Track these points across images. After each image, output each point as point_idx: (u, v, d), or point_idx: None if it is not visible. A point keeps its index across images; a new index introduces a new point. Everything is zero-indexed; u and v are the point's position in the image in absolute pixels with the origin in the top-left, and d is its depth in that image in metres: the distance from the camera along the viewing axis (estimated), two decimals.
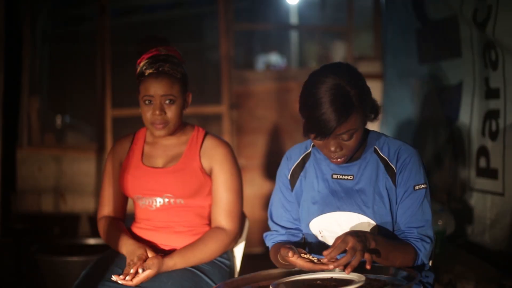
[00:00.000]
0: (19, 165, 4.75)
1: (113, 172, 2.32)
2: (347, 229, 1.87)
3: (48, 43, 5.41)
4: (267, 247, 2.05)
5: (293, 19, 6.61)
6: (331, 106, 1.71)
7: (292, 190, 1.99)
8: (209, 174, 2.25)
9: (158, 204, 2.23)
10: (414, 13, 3.98)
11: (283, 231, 2.01)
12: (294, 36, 7.04)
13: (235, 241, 2.28)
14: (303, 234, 2.00)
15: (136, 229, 2.30)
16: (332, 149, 1.79)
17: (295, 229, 2.01)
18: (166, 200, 2.22)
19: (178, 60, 2.23)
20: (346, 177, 1.90)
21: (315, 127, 1.74)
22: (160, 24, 6.33)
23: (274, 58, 6.53)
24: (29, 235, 3.99)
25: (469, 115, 3.35)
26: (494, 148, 3.09)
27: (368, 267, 1.61)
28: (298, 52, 7.11)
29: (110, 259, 2.22)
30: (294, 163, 2.00)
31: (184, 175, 2.21)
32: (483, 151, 3.20)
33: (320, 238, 1.94)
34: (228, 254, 2.33)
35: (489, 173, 3.14)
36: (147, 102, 2.17)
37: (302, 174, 1.98)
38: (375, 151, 1.90)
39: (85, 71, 5.21)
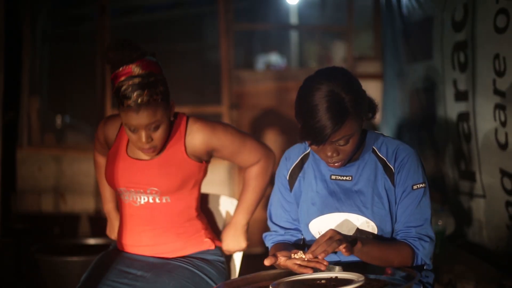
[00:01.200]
0: (19, 165, 4.75)
1: (102, 141, 2.34)
2: (346, 230, 1.88)
3: (48, 43, 5.41)
4: (267, 247, 2.05)
5: (293, 19, 6.61)
6: (326, 113, 1.71)
7: (291, 190, 1.99)
8: (197, 160, 2.21)
9: (142, 201, 2.19)
10: (398, 14, 4.00)
11: (282, 231, 2.01)
12: (294, 36, 7.04)
13: (272, 160, 2.34)
14: (302, 234, 2.00)
15: (122, 231, 2.27)
16: (329, 154, 1.79)
17: (295, 229, 2.01)
18: (151, 197, 2.18)
19: (155, 76, 2.07)
20: (344, 178, 1.90)
21: (311, 134, 1.74)
22: (160, 24, 6.33)
23: (274, 58, 6.53)
24: (29, 235, 3.99)
25: (444, 118, 3.35)
26: (470, 150, 3.09)
27: (345, 254, 1.63)
28: (298, 52, 7.11)
29: (110, 259, 2.21)
30: (293, 164, 2.00)
31: (169, 167, 2.16)
32: (461, 154, 3.20)
33: None
34: (221, 251, 2.33)
35: (469, 175, 3.15)
36: (129, 129, 2.09)
37: (300, 174, 1.98)
38: (373, 151, 1.90)
39: (85, 71, 5.21)
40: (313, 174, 1.95)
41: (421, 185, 1.85)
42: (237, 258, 2.42)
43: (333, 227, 1.89)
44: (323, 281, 1.62)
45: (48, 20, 5.46)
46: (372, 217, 1.85)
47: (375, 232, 1.86)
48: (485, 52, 2.85)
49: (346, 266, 1.80)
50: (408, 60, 3.95)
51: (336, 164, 1.83)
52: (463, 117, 3.11)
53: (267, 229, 2.07)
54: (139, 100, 2.02)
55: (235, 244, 2.33)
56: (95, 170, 2.50)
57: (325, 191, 1.91)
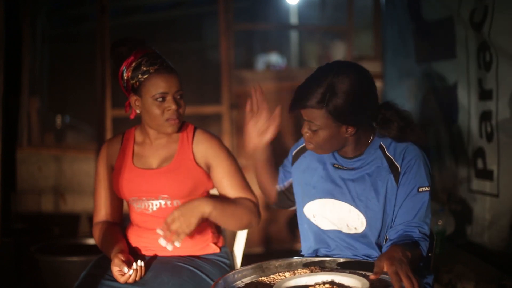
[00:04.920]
0: (19, 165, 4.75)
1: (105, 175, 2.29)
2: (337, 218, 1.93)
3: (48, 43, 5.41)
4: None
5: (293, 19, 6.61)
6: (313, 91, 1.81)
7: (292, 164, 2.08)
8: (204, 169, 2.24)
9: (154, 208, 2.21)
10: (409, 13, 3.99)
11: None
12: (294, 36, 7.04)
13: (259, 214, 2.23)
14: None
15: (132, 233, 2.27)
16: (304, 129, 1.87)
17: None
18: (163, 202, 2.20)
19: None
20: (346, 168, 1.94)
21: (295, 95, 1.86)
22: (160, 24, 6.33)
23: (274, 58, 6.53)
24: (29, 235, 3.99)
25: (467, 116, 3.35)
26: (490, 149, 3.09)
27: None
28: (298, 52, 7.12)
29: (109, 260, 2.21)
30: (301, 145, 2.08)
31: (179, 174, 2.19)
32: (480, 153, 3.21)
33: (313, 222, 2.00)
34: (227, 253, 2.33)
35: (485, 174, 3.15)
36: (160, 99, 2.13)
37: (305, 153, 2.05)
38: (381, 148, 1.92)
39: (85, 71, 5.21)
40: (318, 160, 2.01)
41: (426, 188, 1.86)
42: (238, 258, 2.42)
43: (326, 212, 1.94)
44: (326, 285, 1.61)
45: (48, 20, 5.46)
46: (364, 211, 1.88)
47: (364, 226, 1.88)
48: (506, 51, 2.88)
49: (348, 265, 1.81)
50: (421, 59, 3.93)
51: (309, 145, 1.90)
52: (487, 115, 3.12)
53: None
54: (165, 64, 2.14)
55: (182, 224, 2.04)
56: (97, 241, 2.26)
57: (325, 177, 1.96)
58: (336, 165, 1.95)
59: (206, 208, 2.07)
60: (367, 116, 1.88)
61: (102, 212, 2.29)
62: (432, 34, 3.72)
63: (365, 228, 1.88)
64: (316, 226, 1.99)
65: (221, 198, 2.19)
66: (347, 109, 1.79)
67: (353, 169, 1.92)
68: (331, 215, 1.93)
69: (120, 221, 2.35)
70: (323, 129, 1.83)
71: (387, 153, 1.90)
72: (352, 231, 1.92)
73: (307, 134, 1.86)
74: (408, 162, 1.87)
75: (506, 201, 2.98)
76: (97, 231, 2.27)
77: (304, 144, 2.03)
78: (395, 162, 1.88)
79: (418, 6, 3.85)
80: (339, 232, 1.95)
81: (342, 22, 5.55)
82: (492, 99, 3.04)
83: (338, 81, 1.78)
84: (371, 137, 1.93)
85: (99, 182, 2.30)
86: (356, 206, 1.89)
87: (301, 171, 2.03)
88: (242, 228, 2.26)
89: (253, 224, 2.24)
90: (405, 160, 1.87)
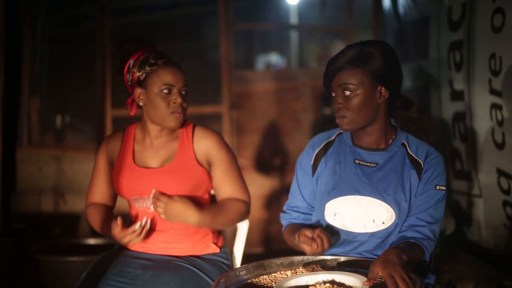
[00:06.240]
0: (19, 165, 4.75)
1: (104, 166, 2.32)
2: (364, 213, 1.91)
3: (48, 43, 5.41)
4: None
5: (293, 19, 6.61)
6: (346, 54, 1.86)
7: (313, 175, 2.03)
8: (204, 166, 2.24)
9: None
10: (394, 15, 4.01)
11: (297, 214, 2.07)
12: (294, 36, 7.04)
13: (249, 211, 2.30)
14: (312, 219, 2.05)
15: None
16: (339, 100, 1.87)
17: (308, 214, 2.05)
18: None
19: None
20: (369, 164, 1.94)
21: (327, 65, 1.89)
22: (160, 24, 6.33)
23: (274, 58, 6.54)
24: (29, 235, 3.99)
25: (439, 118, 3.36)
26: (466, 150, 3.09)
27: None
28: (298, 52, 7.12)
29: (110, 260, 2.21)
30: (317, 149, 2.05)
31: (180, 174, 2.19)
32: (456, 154, 3.21)
33: (332, 222, 1.96)
34: (227, 254, 2.33)
35: (464, 175, 3.15)
36: (165, 91, 2.15)
37: (323, 159, 2.02)
38: (404, 145, 1.95)
39: (85, 71, 5.21)
40: (337, 159, 1.99)
41: (442, 187, 1.91)
42: (237, 258, 2.42)
43: (351, 209, 1.92)
44: (327, 284, 1.61)
45: (48, 20, 5.46)
46: (393, 204, 1.89)
47: (392, 220, 1.88)
48: (482, 51, 2.86)
49: (352, 263, 1.82)
50: (401, 60, 3.95)
51: (344, 122, 1.88)
52: (459, 116, 3.12)
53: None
54: (171, 59, 2.19)
55: (162, 212, 2.11)
56: (92, 218, 2.33)
57: (347, 174, 1.95)
58: (357, 161, 1.95)
59: (190, 220, 2.10)
60: (398, 86, 1.94)
61: (97, 196, 2.33)
62: (409, 35, 3.74)
63: (394, 222, 1.88)
64: (333, 228, 1.95)
65: (211, 211, 2.17)
66: (382, 67, 1.85)
67: (376, 164, 1.93)
68: (356, 212, 1.91)
69: (113, 207, 2.38)
70: (358, 91, 1.85)
71: (409, 151, 1.94)
72: (377, 228, 1.90)
73: (341, 106, 1.87)
74: (431, 161, 1.91)
75: (491, 201, 2.98)
76: (92, 209, 2.31)
77: (320, 149, 2.03)
78: (418, 159, 1.92)
79: (398, 7, 3.88)
80: (350, 233, 1.94)
81: (342, 22, 5.55)
82: (464, 99, 3.04)
83: (368, 47, 1.87)
84: (394, 135, 1.96)
85: (96, 170, 2.34)
86: (385, 200, 1.89)
87: (321, 176, 2.01)
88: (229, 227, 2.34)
89: (240, 221, 2.31)
90: (428, 158, 1.92)
